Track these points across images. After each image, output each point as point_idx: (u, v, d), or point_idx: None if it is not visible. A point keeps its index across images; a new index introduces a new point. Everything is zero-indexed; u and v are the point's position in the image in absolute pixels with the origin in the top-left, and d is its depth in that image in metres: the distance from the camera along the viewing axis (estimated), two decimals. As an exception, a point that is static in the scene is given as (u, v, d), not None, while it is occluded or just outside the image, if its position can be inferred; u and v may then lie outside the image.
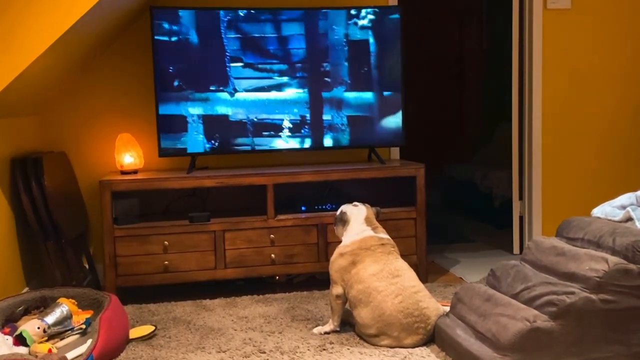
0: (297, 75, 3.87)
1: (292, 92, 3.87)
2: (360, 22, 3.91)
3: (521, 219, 4.58)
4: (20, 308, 2.87)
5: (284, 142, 3.87)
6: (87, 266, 3.85)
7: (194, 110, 3.75)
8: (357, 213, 3.07)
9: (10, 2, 2.86)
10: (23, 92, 3.23)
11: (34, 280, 3.55)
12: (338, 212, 3.13)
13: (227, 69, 3.78)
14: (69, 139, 4.00)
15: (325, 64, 3.89)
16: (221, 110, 3.80)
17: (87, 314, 2.89)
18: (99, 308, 2.89)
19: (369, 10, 3.92)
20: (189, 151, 3.78)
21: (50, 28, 2.89)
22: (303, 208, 3.84)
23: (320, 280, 3.83)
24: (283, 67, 3.84)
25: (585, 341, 2.34)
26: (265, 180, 3.67)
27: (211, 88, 3.77)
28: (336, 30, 3.89)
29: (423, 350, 2.72)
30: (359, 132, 3.97)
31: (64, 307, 2.79)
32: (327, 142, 3.93)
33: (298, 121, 3.88)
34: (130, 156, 3.82)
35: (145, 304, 3.50)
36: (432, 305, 2.83)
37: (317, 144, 3.93)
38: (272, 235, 3.69)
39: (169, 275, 3.60)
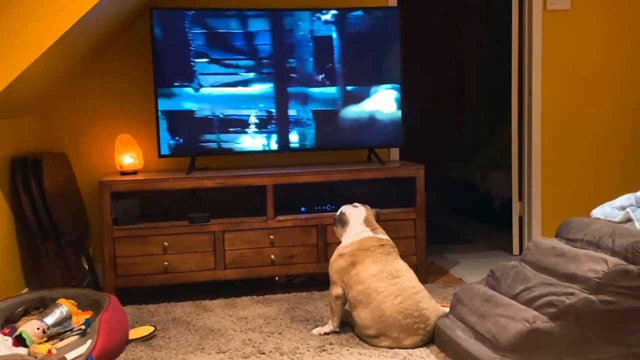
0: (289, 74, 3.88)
1: (260, 89, 3.88)
2: (355, 23, 3.93)
3: (521, 219, 4.58)
4: (20, 309, 2.87)
5: (250, 137, 3.85)
6: (86, 267, 3.85)
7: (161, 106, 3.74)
8: (356, 214, 3.07)
9: (11, 3, 2.86)
10: (23, 93, 3.23)
11: (34, 281, 3.55)
12: (337, 213, 3.13)
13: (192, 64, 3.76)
14: (68, 139, 4.00)
15: (328, 64, 3.90)
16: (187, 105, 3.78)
17: (87, 315, 2.89)
18: (99, 309, 2.89)
19: (369, 9, 3.93)
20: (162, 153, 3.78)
21: (50, 29, 2.89)
22: (303, 209, 3.84)
23: (319, 281, 3.83)
24: (250, 62, 3.83)
25: (585, 342, 2.34)
26: (265, 180, 3.67)
27: (175, 84, 3.75)
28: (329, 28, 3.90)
29: (423, 351, 2.72)
30: (359, 132, 3.97)
31: (63, 308, 2.79)
32: (322, 144, 3.94)
33: (298, 118, 3.89)
34: (130, 157, 3.83)
35: (145, 304, 3.50)
36: (432, 306, 2.83)
37: (320, 145, 3.94)
38: (271, 236, 3.69)
39: (169, 276, 3.60)
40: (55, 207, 3.39)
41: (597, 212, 2.82)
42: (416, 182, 3.81)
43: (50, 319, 2.72)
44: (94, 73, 4.01)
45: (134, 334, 2.97)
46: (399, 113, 4.00)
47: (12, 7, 2.86)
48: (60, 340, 2.71)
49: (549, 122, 4.48)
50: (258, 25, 3.82)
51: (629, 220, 2.63)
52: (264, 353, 2.75)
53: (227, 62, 3.80)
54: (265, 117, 3.86)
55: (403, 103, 4.02)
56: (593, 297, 2.33)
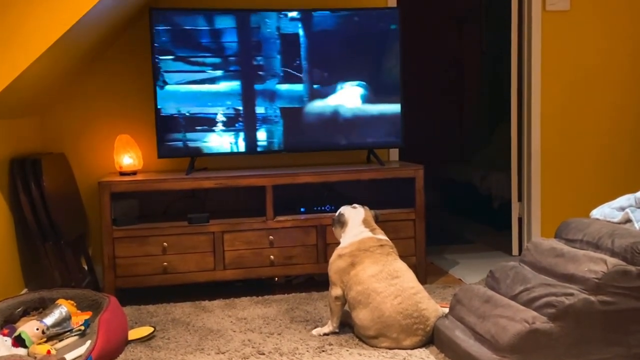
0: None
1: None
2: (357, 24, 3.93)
3: (520, 220, 4.58)
4: (19, 309, 2.87)
5: (218, 136, 3.83)
6: (86, 267, 3.85)
7: None
8: (355, 215, 3.07)
9: (11, 4, 2.86)
10: (22, 93, 3.22)
11: (33, 282, 3.55)
12: (336, 214, 3.13)
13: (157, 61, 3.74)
14: (68, 140, 4.00)
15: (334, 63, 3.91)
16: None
17: (86, 315, 2.88)
18: (98, 309, 2.89)
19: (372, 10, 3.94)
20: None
21: (49, 29, 2.89)
22: (302, 209, 3.83)
23: (319, 282, 3.83)
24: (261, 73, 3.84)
25: (585, 342, 2.34)
26: (264, 181, 3.67)
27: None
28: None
29: (422, 352, 2.72)
30: (358, 133, 3.97)
31: (62, 309, 2.79)
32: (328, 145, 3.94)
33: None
34: (129, 157, 3.82)
35: (144, 305, 3.50)
36: (431, 306, 2.83)
37: (320, 146, 3.93)
38: (271, 237, 3.68)
39: (168, 277, 3.60)
40: (55, 207, 3.38)
41: (596, 213, 2.82)
42: (416, 183, 3.81)
43: (49, 320, 2.72)
44: (94, 73, 4.00)
45: (133, 334, 2.96)
46: (399, 113, 4.00)
47: (11, 8, 2.86)
48: (60, 340, 2.71)
49: (548, 122, 4.48)
50: (261, 24, 3.83)
51: (628, 220, 2.63)
52: (264, 354, 2.75)
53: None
54: (268, 116, 3.86)
55: (403, 103, 4.02)
56: (592, 298, 2.33)
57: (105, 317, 2.73)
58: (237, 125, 3.84)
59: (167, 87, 3.74)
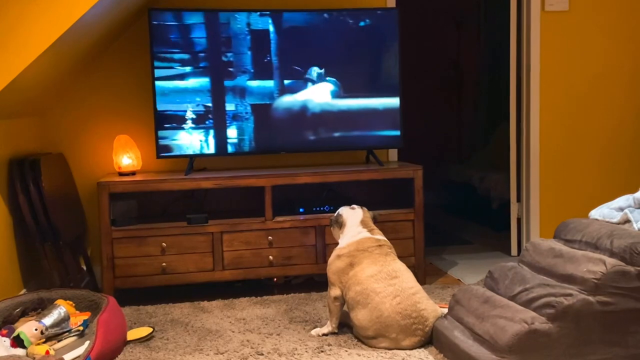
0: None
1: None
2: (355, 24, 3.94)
3: (519, 220, 4.58)
4: (18, 310, 2.86)
5: (187, 133, 3.80)
6: (84, 268, 3.85)
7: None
8: (353, 215, 3.07)
9: (9, 4, 2.85)
10: (21, 94, 3.22)
11: (32, 282, 3.54)
12: (334, 215, 3.13)
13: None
14: (66, 140, 3.99)
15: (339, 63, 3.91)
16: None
17: (85, 316, 2.88)
18: (97, 310, 2.89)
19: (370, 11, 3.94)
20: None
21: (48, 30, 2.89)
22: (301, 210, 3.83)
23: (318, 282, 3.83)
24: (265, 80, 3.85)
25: (583, 343, 2.34)
26: (263, 181, 3.67)
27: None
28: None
29: (421, 352, 2.72)
30: (357, 133, 3.97)
31: (61, 309, 2.79)
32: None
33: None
34: (128, 158, 3.82)
35: (143, 305, 3.50)
36: (430, 306, 2.83)
37: (320, 146, 3.93)
38: (270, 237, 3.68)
39: (167, 277, 3.60)
40: (53, 208, 3.38)
41: (595, 213, 2.83)
42: (414, 183, 3.81)
43: (48, 320, 2.72)
44: (93, 74, 4.00)
45: (132, 335, 2.96)
46: (398, 114, 4.00)
47: (10, 8, 2.86)
48: (58, 341, 2.71)
49: (547, 123, 4.48)
50: (263, 25, 3.83)
51: (627, 221, 2.63)
52: (262, 354, 2.75)
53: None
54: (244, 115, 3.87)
55: (402, 104, 4.02)
56: (591, 298, 2.33)
57: (104, 318, 2.73)
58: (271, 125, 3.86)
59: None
